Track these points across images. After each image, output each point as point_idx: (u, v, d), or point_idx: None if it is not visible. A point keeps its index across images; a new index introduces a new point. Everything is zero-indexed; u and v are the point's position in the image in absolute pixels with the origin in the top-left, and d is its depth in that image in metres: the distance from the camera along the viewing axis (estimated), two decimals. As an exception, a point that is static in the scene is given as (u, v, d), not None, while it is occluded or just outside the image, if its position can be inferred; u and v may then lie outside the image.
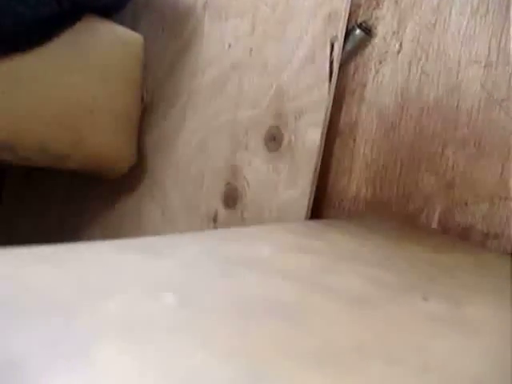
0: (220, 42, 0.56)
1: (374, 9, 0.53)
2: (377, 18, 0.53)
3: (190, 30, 0.58)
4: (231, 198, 0.54)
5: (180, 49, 0.59)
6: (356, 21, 0.53)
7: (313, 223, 0.42)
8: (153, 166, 0.59)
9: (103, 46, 0.53)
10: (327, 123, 0.51)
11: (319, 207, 0.54)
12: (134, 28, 0.60)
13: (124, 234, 0.59)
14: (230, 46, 0.56)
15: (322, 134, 0.50)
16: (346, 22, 0.51)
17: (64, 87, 0.49)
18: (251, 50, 0.54)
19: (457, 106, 0.49)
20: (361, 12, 0.53)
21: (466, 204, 0.49)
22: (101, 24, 0.53)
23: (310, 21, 0.51)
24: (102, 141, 0.54)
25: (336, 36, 0.50)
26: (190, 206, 0.56)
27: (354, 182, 0.53)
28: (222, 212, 0.54)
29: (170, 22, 0.60)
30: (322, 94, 0.50)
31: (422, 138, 0.51)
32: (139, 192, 0.59)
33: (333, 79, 0.50)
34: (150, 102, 0.60)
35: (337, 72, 0.50)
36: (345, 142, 0.54)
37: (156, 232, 0.58)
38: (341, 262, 0.26)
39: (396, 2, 0.52)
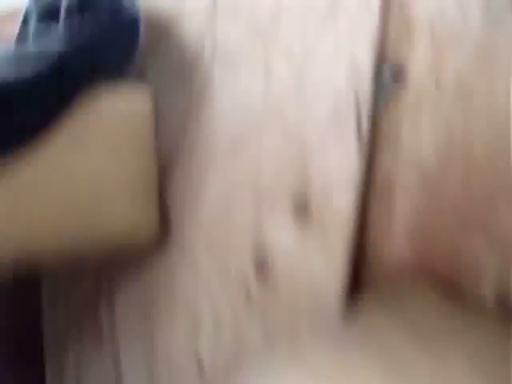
0: (234, 97, 0.51)
1: (406, 46, 0.46)
2: (408, 58, 0.46)
3: (200, 81, 0.53)
4: (262, 269, 0.50)
5: (192, 104, 0.54)
6: (383, 64, 0.46)
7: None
8: (179, 229, 0.56)
9: (107, 119, 0.50)
10: (360, 187, 0.45)
11: (357, 273, 0.49)
12: (140, 81, 0.56)
13: (157, 305, 0.57)
14: (245, 102, 0.50)
15: (355, 200, 0.45)
16: (372, 69, 0.44)
17: (68, 178, 0.46)
18: (268, 106, 0.49)
19: (510, 156, 0.42)
20: (390, 51, 0.46)
21: (528, 269, 0.42)
22: (101, 95, 0.49)
23: (330, 70, 0.45)
24: (118, 219, 0.51)
25: (362, 88, 0.44)
26: (221, 275, 0.53)
27: (394, 244, 0.48)
28: (254, 285, 0.50)
29: (178, 75, 0.55)
30: (352, 155, 0.44)
31: (470, 193, 0.44)
32: (170, 258, 0.56)
33: (362, 138, 0.44)
34: (168, 166, 0.56)
35: (367, 129, 0.44)
36: (381, 201, 0.48)
37: (190, 301, 0.55)
38: None
39: (432, 37, 0.45)
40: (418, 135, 0.45)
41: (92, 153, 0.48)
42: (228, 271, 0.52)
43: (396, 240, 0.47)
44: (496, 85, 0.42)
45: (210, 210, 0.53)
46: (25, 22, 0.49)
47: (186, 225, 0.55)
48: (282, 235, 0.48)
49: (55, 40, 0.43)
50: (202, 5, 0.52)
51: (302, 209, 0.47)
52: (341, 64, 0.45)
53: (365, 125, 0.44)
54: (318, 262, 0.46)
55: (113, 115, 0.49)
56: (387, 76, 0.45)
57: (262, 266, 0.50)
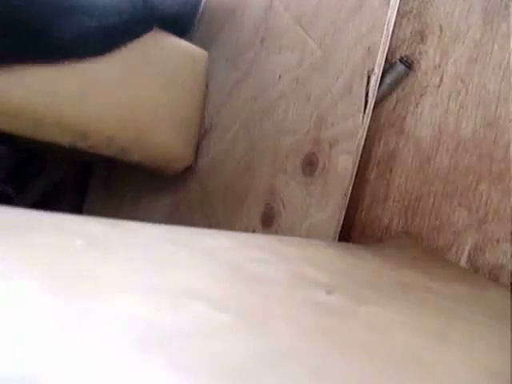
0: (272, 73, 0.61)
1: (419, 43, 0.54)
2: (420, 53, 0.54)
3: (249, 61, 0.64)
4: (268, 218, 0.57)
5: (238, 79, 0.64)
6: (400, 55, 0.54)
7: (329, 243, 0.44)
8: (206, 182, 0.64)
9: (169, 56, 0.61)
10: (360, 152, 0.52)
11: (350, 233, 0.55)
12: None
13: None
14: (280, 77, 0.60)
15: (354, 162, 0.52)
16: (384, 55, 0.52)
17: (131, 91, 0.57)
18: (297, 80, 0.58)
19: (494, 141, 0.48)
20: (405, 47, 0.55)
21: (498, 242, 0.47)
22: (167, 37, 0.61)
23: (351, 53, 0.54)
24: (161, 139, 0.61)
25: (373, 69, 0.52)
26: (232, 222, 0.60)
27: (387, 211, 0.54)
28: (260, 230, 0.57)
29: (232, 54, 0.66)
30: (356, 123, 0.52)
31: (457, 171, 0.50)
32: (192, 204, 0.65)
33: (367, 110, 0.52)
34: (209, 127, 0.66)
35: (372, 103, 0.52)
36: (381, 172, 0.55)
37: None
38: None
39: (439, 37, 0.53)
40: (419, 117, 0.53)
41: (151, 81, 0.59)
42: (239, 223, 0.60)
43: (390, 205, 0.53)
44: (488, 78, 0.49)
45: (235, 170, 0.61)
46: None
47: (212, 179, 0.63)
48: (291, 189, 0.55)
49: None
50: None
51: (310, 168, 0.54)
52: (360, 50, 0.53)
53: (371, 101, 0.52)
54: (317, 212, 0.53)
55: (173, 54, 0.60)
56: (400, 66, 0.54)
57: (269, 214, 0.57)
